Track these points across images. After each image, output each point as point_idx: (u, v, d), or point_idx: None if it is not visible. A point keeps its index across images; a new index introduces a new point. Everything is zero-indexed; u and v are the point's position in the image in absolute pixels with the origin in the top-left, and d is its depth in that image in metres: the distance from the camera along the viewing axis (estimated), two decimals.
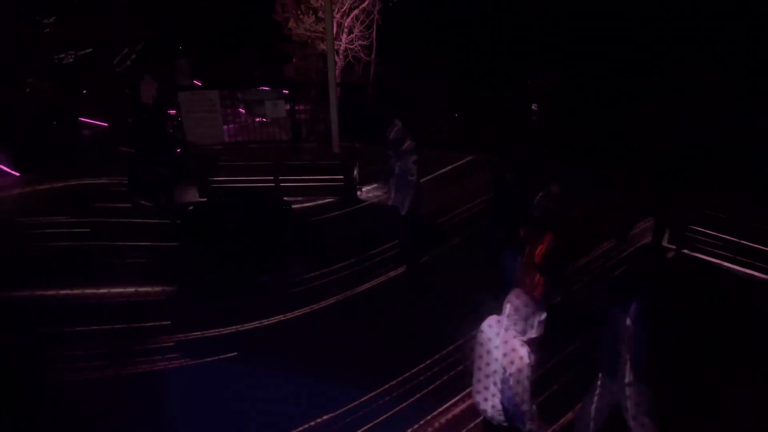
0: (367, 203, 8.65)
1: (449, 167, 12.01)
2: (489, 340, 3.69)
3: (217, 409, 5.06)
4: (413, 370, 5.50)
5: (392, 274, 7.43)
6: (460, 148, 13.41)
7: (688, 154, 9.35)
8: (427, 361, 5.63)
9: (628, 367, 3.73)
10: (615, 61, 11.75)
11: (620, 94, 11.30)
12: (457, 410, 5.02)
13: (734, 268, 7.24)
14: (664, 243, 8.02)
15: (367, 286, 7.19)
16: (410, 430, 4.79)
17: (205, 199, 10.35)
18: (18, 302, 6.87)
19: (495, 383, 3.67)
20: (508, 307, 3.64)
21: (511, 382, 3.54)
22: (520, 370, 3.53)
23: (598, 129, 11.32)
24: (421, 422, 4.87)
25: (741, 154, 9.16)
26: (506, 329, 3.62)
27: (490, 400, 3.72)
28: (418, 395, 5.20)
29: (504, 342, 3.61)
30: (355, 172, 10.52)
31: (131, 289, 7.15)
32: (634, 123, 10.92)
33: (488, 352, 3.69)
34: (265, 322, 6.42)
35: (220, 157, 12.42)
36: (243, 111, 14.45)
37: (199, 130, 13.13)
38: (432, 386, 5.30)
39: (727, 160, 8.97)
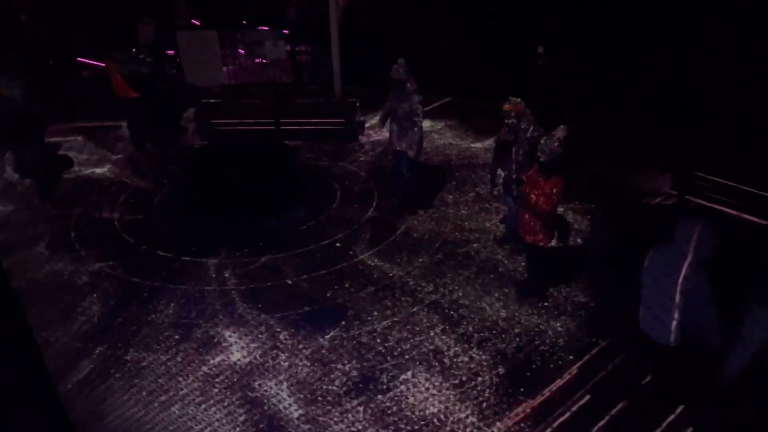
0: (368, 146, 8.56)
1: (451, 109, 11.85)
2: (665, 267, 3.82)
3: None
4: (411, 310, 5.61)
5: (399, 222, 7.45)
6: (464, 91, 13.19)
7: (694, 99, 9.19)
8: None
9: None
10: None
11: (631, 38, 10.97)
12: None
13: (737, 215, 7.22)
14: (667, 189, 7.98)
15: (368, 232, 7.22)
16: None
17: (206, 143, 10.28)
18: None
19: (673, 308, 3.81)
20: (687, 234, 3.73)
21: (702, 302, 3.71)
22: (706, 289, 3.69)
23: (607, 73, 11.08)
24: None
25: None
26: (690, 253, 3.72)
27: (664, 325, 3.88)
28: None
29: (688, 265, 3.73)
30: (357, 116, 10.38)
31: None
32: (645, 67, 10.65)
33: (664, 279, 3.83)
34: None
35: (221, 99, 12.25)
36: (242, 52, 14.18)
37: (198, 72, 12.94)
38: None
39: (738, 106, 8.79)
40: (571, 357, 4.96)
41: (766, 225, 4.52)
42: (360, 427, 4.32)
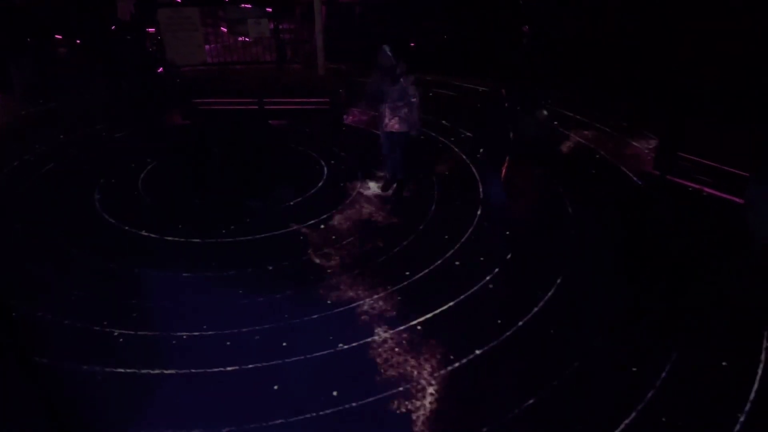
0: (353, 126, 8.50)
1: (438, 91, 11.81)
2: None
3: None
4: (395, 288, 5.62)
5: (378, 194, 7.43)
6: (450, 71, 13.15)
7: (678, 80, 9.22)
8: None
9: None
10: None
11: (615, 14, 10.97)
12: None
13: (718, 194, 7.31)
14: (650, 169, 8.04)
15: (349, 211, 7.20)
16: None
17: (189, 122, 10.16)
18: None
19: None
20: None
21: None
22: None
23: (591, 55, 11.09)
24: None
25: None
26: None
27: None
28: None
29: None
30: (342, 95, 10.31)
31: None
32: (628, 48, 10.68)
33: None
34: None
35: (203, 78, 12.10)
36: (225, 30, 13.97)
37: (179, 50, 12.71)
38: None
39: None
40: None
41: None
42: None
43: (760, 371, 4.43)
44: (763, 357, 4.58)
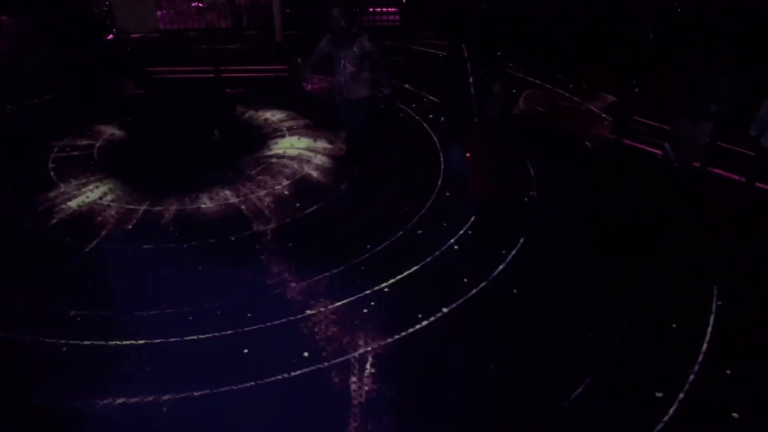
0: (312, 93, 8.35)
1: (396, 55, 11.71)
2: None
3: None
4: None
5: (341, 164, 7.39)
6: (407, 35, 13.06)
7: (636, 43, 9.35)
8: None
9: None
10: None
11: None
12: None
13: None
14: (606, 133, 8.20)
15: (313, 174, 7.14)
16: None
17: (142, 92, 9.83)
18: None
19: None
20: None
21: None
22: None
23: (550, 19, 11.14)
24: None
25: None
26: None
27: None
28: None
29: None
30: (300, 62, 10.11)
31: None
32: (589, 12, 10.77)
33: None
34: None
35: (156, 45, 11.72)
36: None
37: (130, 17, 12.26)
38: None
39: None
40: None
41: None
42: None
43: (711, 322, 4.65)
44: (713, 309, 4.80)
